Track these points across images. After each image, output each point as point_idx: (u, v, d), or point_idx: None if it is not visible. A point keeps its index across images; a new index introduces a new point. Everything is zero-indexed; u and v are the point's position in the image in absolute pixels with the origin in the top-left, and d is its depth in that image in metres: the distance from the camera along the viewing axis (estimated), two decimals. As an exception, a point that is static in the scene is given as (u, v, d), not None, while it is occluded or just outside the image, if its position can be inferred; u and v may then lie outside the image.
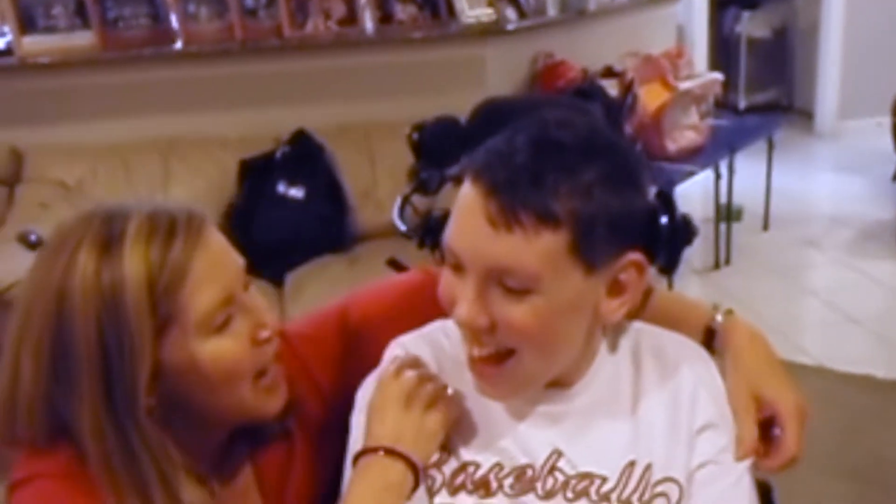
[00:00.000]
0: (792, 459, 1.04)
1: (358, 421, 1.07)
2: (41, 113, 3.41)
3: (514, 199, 0.88)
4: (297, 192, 3.22)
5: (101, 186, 3.24)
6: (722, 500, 0.99)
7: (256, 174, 3.26)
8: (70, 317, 0.89)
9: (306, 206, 3.20)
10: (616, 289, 0.97)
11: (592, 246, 0.91)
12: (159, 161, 3.32)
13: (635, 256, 0.95)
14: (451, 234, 0.95)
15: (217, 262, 0.95)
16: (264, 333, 0.99)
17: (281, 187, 3.22)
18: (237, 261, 1.00)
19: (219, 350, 0.95)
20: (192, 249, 0.93)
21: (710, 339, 1.13)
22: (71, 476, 0.93)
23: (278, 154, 3.29)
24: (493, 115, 1.19)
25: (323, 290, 2.78)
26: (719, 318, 1.13)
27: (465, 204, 0.93)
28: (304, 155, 3.29)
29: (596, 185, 0.90)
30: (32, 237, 2.71)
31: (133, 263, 0.89)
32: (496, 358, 0.97)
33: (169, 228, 0.92)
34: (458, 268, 0.95)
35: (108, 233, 0.91)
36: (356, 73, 3.54)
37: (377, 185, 3.36)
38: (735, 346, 1.10)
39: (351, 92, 3.53)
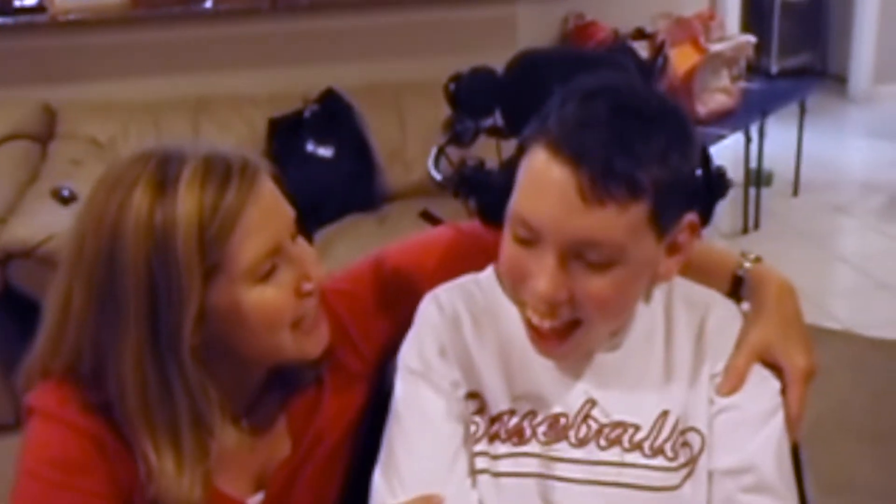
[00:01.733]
0: (794, 420, 1.03)
1: (398, 389, 1.08)
2: (73, 70, 3.43)
3: (608, 172, 0.87)
4: (325, 151, 3.23)
5: (133, 144, 3.22)
6: (743, 447, 0.99)
7: (285, 133, 3.27)
8: (122, 253, 0.91)
9: (335, 165, 3.21)
10: (673, 249, 0.97)
11: (667, 213, 0.92)
12: (189, 119, 3.33)
13: (692, 217, 0.96)
14: (528, 208, 0.92)
15: (268, 212, 0.96)
16: (307, 286, 1.00)
17: (310, 146, 3.23)
18: (287, 211, 1.01)
19: (262, 298, 0.96)
20: (245, 197, 0.93)
21: (737, 286, 1.13)
22: (60, 421, 0.96)
23: (307, 113, 3.29)
24: (529, 68, 1.18)
25: (352, 248, 2.80)
26: (747, 265, 1.13)
27: (546, 176, 0.90)
28: (332, 114, 3.29)
29: (670, 151, 0.90)
30: (65, 192, 2.74)
31: (186, 206, 0.91)
32: (563, 331, 0.97)
33: (224, 174, 0.93)
34: (530, 241, 0.93)
35: (163, 173, 0.92)
36: (386, 31, 3.53)
37: (406, 145, 3.36)
38: (759, 296, 1.10)
39: (381, 51, 3.53)
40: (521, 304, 0.98)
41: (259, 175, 0.97)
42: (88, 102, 3.36)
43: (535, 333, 0.99)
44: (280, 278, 0.98)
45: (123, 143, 3.25)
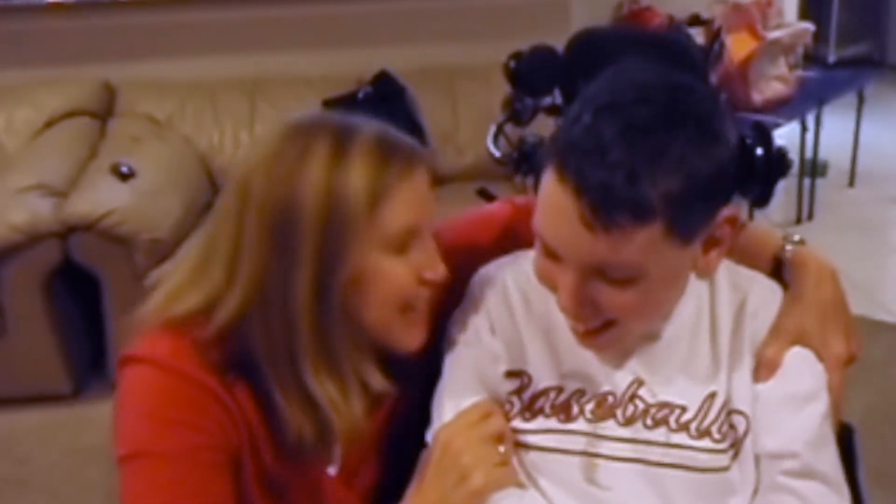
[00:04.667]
0: (832, 407, 1.02)
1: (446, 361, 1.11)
2: (133, 49, 3.48)
3: (609, 202, 0.86)
4: (378, 133, 3.25)
5: (190, 122, 3.31)
6: (784, 430, 0.99)
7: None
8: (300, 210, 0.98)
9: (387, 147, 3.22)
10: (711, 244, 0.97)
11: (688, 223, 0.91)
12: (245, 99, 3.37)
13: (728, 213, 0.95)
14: (544, 228, 0.94)
15: (419, 194, 1.02)
16: (430, 274, 1.04)
17: (363, 128, 3.25)
18: (431, 205, 1.06)
19: (391, 269, 1.01)
20: (403, 174, 1.00)
21: (779, 268, 1.12)
22: (173, 371, 1.00)
23: (360, 94, 3.30)
24: (589, 47, 1.18)
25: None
26: (789, 248, 1.12)
27: (555, 202, 0.90)
28: (386, 96, 3.30)
29: (685, 157, 0.87)
30: (124, 169, 2.79)
31: (358, 177, 0.98)
32: (598, 330, 0.98)
33: (391, 151, 1.01)
34: (554, 255, 0.95)
35: (339, 144, 0.99)
36: (440, 14, 3.54)
37: (458, 129, 3.38)
38: (797, 281, 1.09)
39: (435, 34, 3.54)
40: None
41: (418, 160, 1.03)
42: (147, 81, 3.41)
43: (574, 330, 1.01)
44: (411, 258, 1.03)
45: (181, 121, 3.31)
